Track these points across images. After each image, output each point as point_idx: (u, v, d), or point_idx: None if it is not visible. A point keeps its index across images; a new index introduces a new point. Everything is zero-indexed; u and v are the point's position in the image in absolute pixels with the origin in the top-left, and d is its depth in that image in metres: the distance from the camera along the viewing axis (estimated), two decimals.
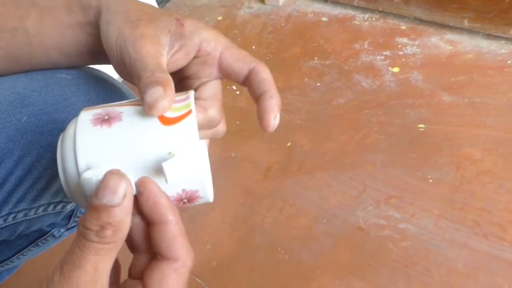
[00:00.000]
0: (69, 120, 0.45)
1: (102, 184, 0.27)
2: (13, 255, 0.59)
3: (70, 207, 0.50)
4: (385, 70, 1.15)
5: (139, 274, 0.31)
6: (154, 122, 0.31)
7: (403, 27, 1.25)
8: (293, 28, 1.35)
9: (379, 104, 1.07)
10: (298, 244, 0.86)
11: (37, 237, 0.56)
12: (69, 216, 0.55)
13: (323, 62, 1.22)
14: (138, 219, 0.30)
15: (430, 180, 0.90)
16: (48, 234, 0.56)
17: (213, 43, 0.37)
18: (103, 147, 0.31)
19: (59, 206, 0.49)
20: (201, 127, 0.35)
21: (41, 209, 0.47)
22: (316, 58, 1.23)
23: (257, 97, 0.36)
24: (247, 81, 0.37)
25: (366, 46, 1.23)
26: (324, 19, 1.35)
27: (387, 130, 1.01)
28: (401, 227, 0.84)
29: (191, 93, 0.34)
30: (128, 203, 0.27)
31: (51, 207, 0.48)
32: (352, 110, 1.08)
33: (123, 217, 0.27)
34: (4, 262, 0.60)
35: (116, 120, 0.32)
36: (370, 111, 1.06)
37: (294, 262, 0.84)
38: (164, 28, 0.36)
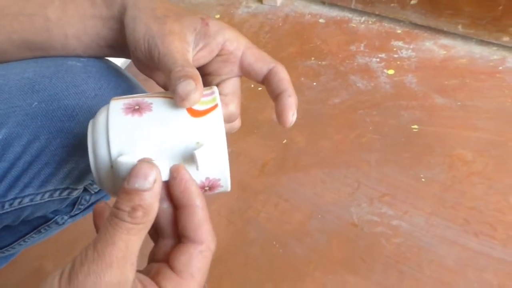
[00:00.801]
0: (80, 107, 0.46)
1: (134, 170, 0.29)
2: (14, 241, 0.59)
3: (76, 194, 0.51)
4: (380, 72, 1.17)
5: (164, 257, 0.32)
6: (183, 113, 0.33)
7: (399, 31, 1.28)
8: (290, 28, 1.37)
9: (374, 104, 1.09)
10: (293, 239, 0.87)
11: (40, 223, 0.57)
12: (73, 203, 0.55)
13: (319, 63, 1.23)
14: (166, 204, 0.32)
15: (423, 179, 0.92)
16: (52, 221, 0.57)
17: (235, 43, 0.40)
18: (134, 135, 0.33)
19: (65, 193, 0.49)
20: None
21: (47, 194, 0.48)
22: (312, 58, 1.25)
23: (275, 96, 0.38)
24: (266, 81, 0.39)
25: (362, 48, 1.25)
26: (321, 20, 1.37)
27: (381, 130, 1.03)
28: (394, 224, 0.86)
29: (216, 88, 0.36)
30: (158, 189, 0.29)
31: (57, 193, 0.49)
32: (347, 110, 1.10)
33: (152, 201, 0.28)
34: (5, 248, 0.60)
35: (146, 110, 0.34)
36: (365, 111, 1.08)
37: (289, 257, 0.85)
38: (190, 27, 0.38)
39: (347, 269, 0.82)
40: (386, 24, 1.30)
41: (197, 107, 0.34)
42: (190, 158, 0.32)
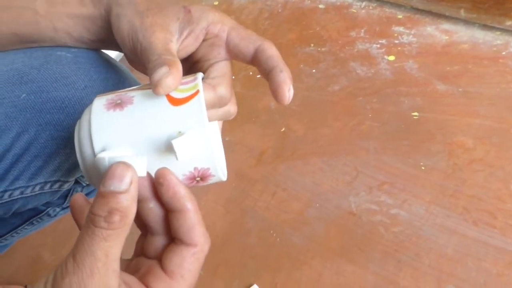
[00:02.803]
0: (69, 99, 0.45)
1: (109, 172, 0.28)
2: (6, 233, 0.59)
3: (67, 187, 0.50)
4: (381, 58, 1.15)
5: (155, 255, 0.32)
6: (164, 103, 0.33)
7: (400, 16, 1.25)
8: (289, 14, 1.35)
9: (374, 91, 1.08)
10: (290, 228, 0.87)
11: (32, 215, 0.57)
12: (65, 195, 0.55)
13: (319, 49, 1.21)
14: (152, 204, 0.31)
15: (423, 167, 0.91)
16: (43, 213, 0.56)
17: (219, 25, 0.39)
18: (116, 129, 0.32)
19: (56, 185, 0.49)
20: (212, 105, 0.36)
21: (37, 187, 0.48)
22: (312, 45, 1.23)
23: (267, 74, 0.37)
24: (255, 60, 0.38)
25: (362, 34, 1.23)
26: (321, 6, 1.35)
27: (381, 117, 1.02)
28: (393, 212, 0.86)
29: (199, 74, 0.35)
30: (134, 190, 0.28)
31: (48, 185, 0.48)
32: (347, 97, 1.08)
33: (129, 204, 0.27)
34: None
35: (127, 103, 0.33)
36: (365, 99, 1.07)
37: (286, 246, 0.85)
38: (172, 17, 0.38)
39: (345, 257, 0.81)
40: (387, 9, 1.28)
41: (177, 95, 0.33)
42: (171, 147, 0.31)
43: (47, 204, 0.55)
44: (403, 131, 0.98)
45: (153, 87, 0.32)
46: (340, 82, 1.12)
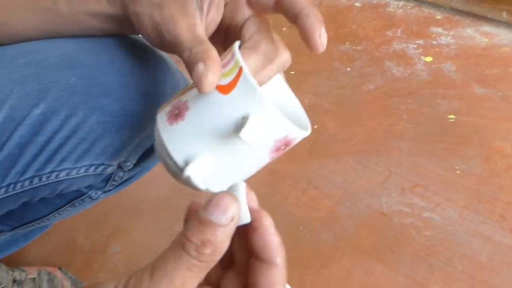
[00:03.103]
0: (116, 84, 0.46)
1: (215, 200, 0.26)
2: (49, 213, 0.61)
3: (110, 170, 0.51)
4: (417, 59, 1.13)
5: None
6: (216, 96, 0.32)
7: (438, 17, 1.23)
8: (325, 12, 1.34)
9: (410, 92, 1.06)
10: (320, 225, 0.87)
11: (74, 197, 0.58)
12: (107, 179, 0.56)
13: (354, 47, 1.20)
14: (241, 255, 0.30)
15: (458, 171, 0.89)
16: (86, 195, 0.58)
17: None
18: (188, 141, 0.34)
19: (100, 168, 0.50)
20: (261, 66, 0.35)
21: (83, 169, 0.49)
22: (347, 43, 1.22)
23: (294, 20, 0.34)
24: (279, 7, 0.35)
25: (399, 34, 1.21)
26: (357, 4, 1.34)
27: (416, 119, 1.00)
28: (425, 215, 0.84)
29: (235, 47, 0.34)
30: (233, 227, 0.26)
31: (93, 168, 0.49)
32: (381, 96, 1.07)
33: (224, 239, 0.26)
34: (40, 219, 0.62)
35: (184, 110, 0.34)
36: (400, 99, 1.05)
37: (315, 242, 0.84)
38: None
39: (375, 257, 0.81)
40: (425, 9, 1.26)
41: (224, 81, 0.32)
42: (242, 140, 0.31)
43: (90, 187, 0.56)
44: (439, 134, 0.97)
45: (198, 89, 0.32)
46: (375, 81, 1.10)
